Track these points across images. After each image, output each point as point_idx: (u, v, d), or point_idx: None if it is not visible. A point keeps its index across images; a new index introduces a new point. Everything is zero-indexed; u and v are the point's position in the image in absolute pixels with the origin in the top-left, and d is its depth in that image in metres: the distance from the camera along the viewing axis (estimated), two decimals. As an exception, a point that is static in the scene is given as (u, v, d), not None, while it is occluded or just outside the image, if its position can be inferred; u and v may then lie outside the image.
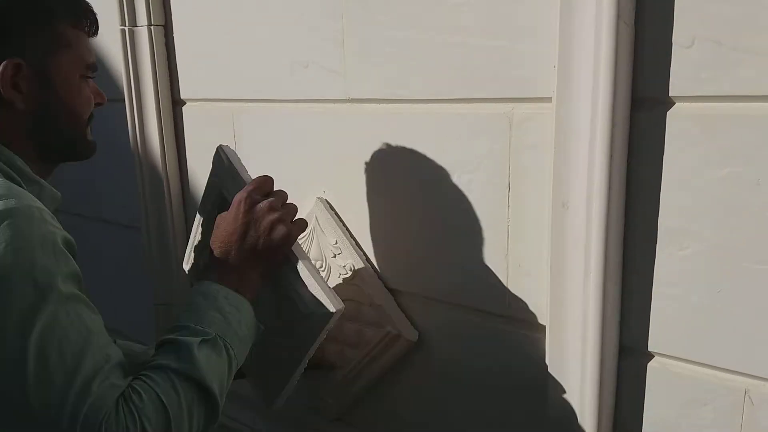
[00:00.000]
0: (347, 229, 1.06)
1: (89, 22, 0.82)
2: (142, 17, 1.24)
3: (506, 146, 0.83)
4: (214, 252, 0.81)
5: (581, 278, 0.77)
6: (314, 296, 0.83)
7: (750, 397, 0.71)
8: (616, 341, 0.79)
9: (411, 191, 0.95)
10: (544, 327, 0.84)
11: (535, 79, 0.79)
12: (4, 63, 0.73)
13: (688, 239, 0.72)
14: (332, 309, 0.83)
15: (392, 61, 0.92)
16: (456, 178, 0.89)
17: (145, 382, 0.67)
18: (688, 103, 0.69)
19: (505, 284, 0.88)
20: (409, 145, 0.94)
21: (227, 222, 0.82)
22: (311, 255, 1.11)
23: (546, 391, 0.84)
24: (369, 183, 1.01)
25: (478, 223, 0.88)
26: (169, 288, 1.36)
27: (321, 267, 1.10)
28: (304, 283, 0.83)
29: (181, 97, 1.27)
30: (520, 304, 0.87)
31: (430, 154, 0.92)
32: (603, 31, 0.69)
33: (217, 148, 0.95)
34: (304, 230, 0.86)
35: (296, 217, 0.86)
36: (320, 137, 1.05)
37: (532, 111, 0.80)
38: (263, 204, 0.82)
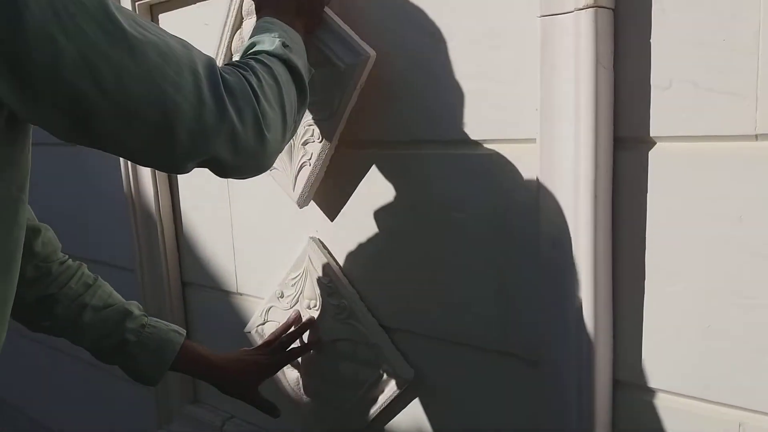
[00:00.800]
0: (340, 267, 1.07)
1: None
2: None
3: (495, 186, 0.85)
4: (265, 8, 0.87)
5: (573, 313, 0.78)
6: (350, 44, 0.91)
7: (744, 431, 0.71)
8: (610, 375, 0.80)
9: (403, 229, 0.97)
10: (538, 362, 0.84)
11: (519, 121, 0.80)
12: None
13: (675, 275, 0.73)
14: (370, 52, 0.90)
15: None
16: (448, 216, 0.90)
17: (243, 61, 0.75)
18: (668, 143, 0.71)
19: (499, 320, 0.88)
20: (399, 184, 0.95)
21: None
22: (305, 294, 1.11)
23: (544, 427, 0.84)
24: (361, 222, 1.02)
25: (470, 260, 0.89)
26: (163, 329, 1.36)
27: (315, 306, 1.10)
28: (339, 35, 0.91)
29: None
30: (514, 340, 0.87)
31: (421, 192, 0.93)
32: (582, 75, 0.71)
33: None
34: None
35: None
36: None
37: (519, 152, 0.82)
38: None
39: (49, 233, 0.95)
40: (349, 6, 0.95)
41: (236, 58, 0.85)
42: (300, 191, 1.03)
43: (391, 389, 1.02)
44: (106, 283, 1.01)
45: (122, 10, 0.62)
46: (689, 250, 0.71)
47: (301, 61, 0.81)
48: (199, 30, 1.17)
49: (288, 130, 0.77)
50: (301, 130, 0.99)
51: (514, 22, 0.79)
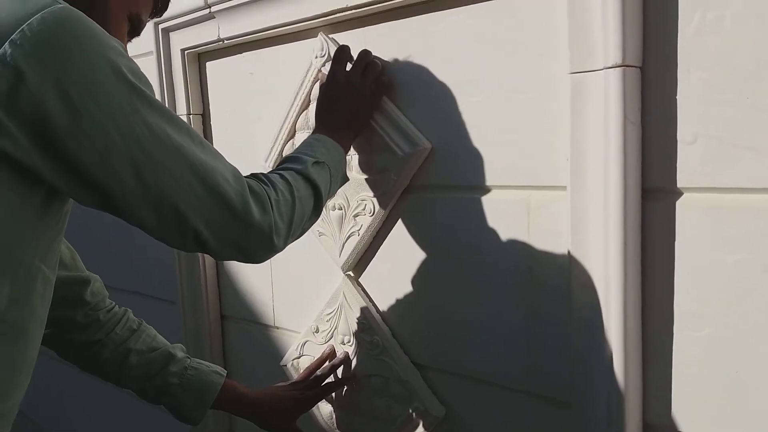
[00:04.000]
0: (374, 305, 1.11)
1: (161, 6, 0.88)
2: (181, 107, 1.34)
3: (525, 231, 0.88)
4: (319, 120, 0.99)
5: (603, 358, 0.80)
6: (409, 134, 0.98)
7: (774, 478, 0.72)
8: (640, 419, 0.81)
9: (434, 270, 1.00)
10: (568, 404, 0.86)
11: (550, 169, 0.84)
12: None
13: (703, 322, 0.75)
14: (427, 145, 0.97)
15: (416, 150, 0.99)
16: (479, 259, 0.94)
17: (271, 175, 0.83)
18: (695, 194, 0.74)
19: (528, 362, 0.91)
20: (432, 227, 0.99)
21: (328, 96, 0.99)
22: (339, 330, 1.15)
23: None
24: (395, 261, 1.06)
25: (499, 304, 0.92)
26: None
27: (349, 342, 1.14)
28: (398, 124, 0.99)
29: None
30: (544, 383, 0.90)
31: (453, 235, 0.97)
32: (611, 129, 0.74)
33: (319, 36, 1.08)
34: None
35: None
36: (348, 218, 1.11)
37: (549, 198, 0.85)
38: (354, 74, 0.98)
39: (97, 283, 1.03)
40: (382, 61, 1.00)
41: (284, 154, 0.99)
42: (345, 258, 1.11)
43: (422, 426, 1.04)
44: (150, 327, 1.07)
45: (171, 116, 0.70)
46: (716, 298, 0.74)
47: (327, 179, 0.89)
48: (244, 79, 1.24)
49: (289, 239, 0.84)
50: (354, 203, 1.07)
51: (546, 77, 0.83)
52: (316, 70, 1.07)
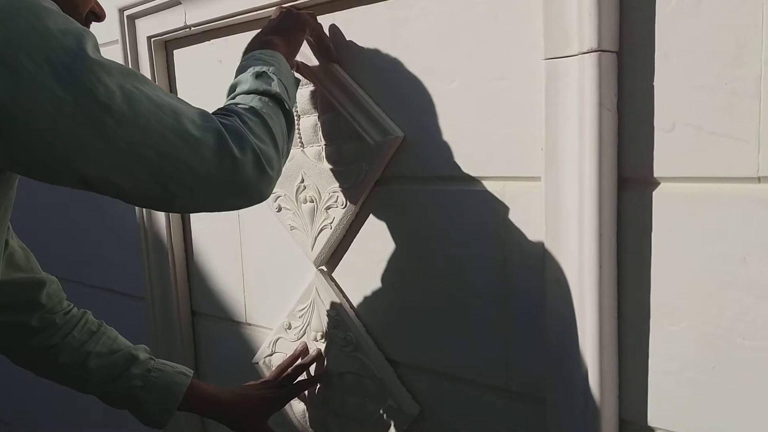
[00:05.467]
0: (347, 300, 1.08)
1: None
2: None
3: (500, 222, 0.86)
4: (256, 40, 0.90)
5: (577, 353, 0.78)
6: (380, 123, 0.94)
7: (751, 474, 0.71)
8: (616, 414, 0.80)
9: (408, 263, 0.97)
10: (544, 400, 0.84)
11: (525, 159, 0.82)
12: None
13: (680, 315, 0.73)
14: (399, 133, 0.94)
15: (388, 140, 0.96)
16: (453, 251, 0.91)
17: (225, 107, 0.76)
18: (672, 184, 0.72)
19: (504, 358, 0.88)
20: (404, 219, 0.97)
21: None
22: (312, 326, 1.12)
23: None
24: (368, 255, 1.03)
25: (473, 296, 0.90)
26: (172, 358, 1.37)
27: (322, 338, 1.11)
28: (370, 112, 0.95)
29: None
30: (519, 379, 0.87)
31: (426, 227, 0.94)
32: (586, 117, 0.72)
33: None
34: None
35: None
36: (320, 211, 1.08)
37: (524, 189, 0.83)
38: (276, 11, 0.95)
39: (54, 285, 0.99)
40: (353, 47, 0.97)
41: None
42: (318, 252, 1.07)
43: (396, 424, 1.02)
44: (111, 328, 1.03)
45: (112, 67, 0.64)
46: (693, 289, 0.72)
47: (280, 85, 0.81)
48: (213, 67, 1.20)
49: (282, 158, 0.78)
50: (325, 195, 1.03)
51: (519, 64, 0.80)
52: None
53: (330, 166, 1.02)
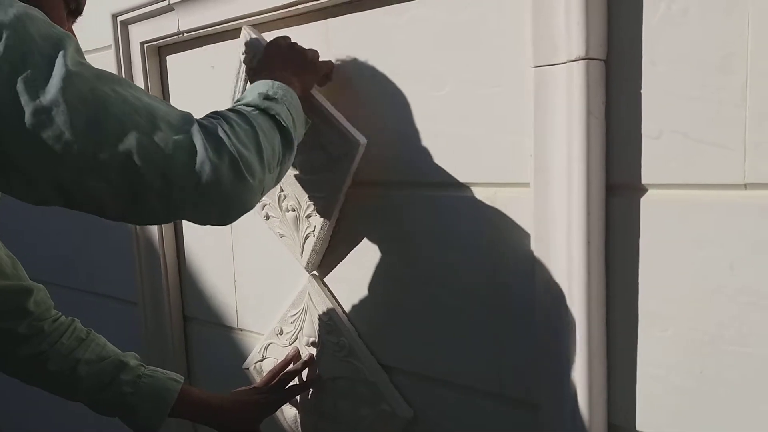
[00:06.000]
0: (340, 305, 1.08)
1: None
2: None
3: (490, 229, 0.86)
4: (261, 71, 0.88)
5: (567, 358, 0.78)
6: (342, 132, 0.94)
7: (739, 478, 0.71)
8: (605, 419, 0.80)
9: (400, 269, 0.98)
10: (535, 405, 0.84)
11: (514, 166, 0.82)
12: None
13: (667, 321, 0.73)
14: (360, 140, 0.94)
15: (380, 147, 0.96)
16: (444, 257, 0.92)
17: (219, 112, 0.74)
18: (660, 190, 0.72)
19: (496, 363, 0.89)
20: (396, 225, 0.97)
21: (269, 56, 0.91)
22: (304, 332, 1.12)
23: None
24: (360, 260, 1.03)
25: (464, 302, 0.90)
26: (164, 363, 1.36)
27: (314, 343, 1.11)
28: (331, 122, 0.95)
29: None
30: (509, 384, 0.88)
31: (417, 233, 0.94)
32: (574, 124, 0.73)
33: (242, 30, 1.05)
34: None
35: None
36: (312, 217, 1.08)
37: (513, 195, 0.83)
38: (288, 41, 0.94)
39: (41, 293, 0.98)
40: (344, 53, 0.98)
41: None
42: (307, 258, 1.07)
43: (389, 428, 1.02)
44: (100, 336, 1.03)
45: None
46: (681, 295, 0.72)
47: (286, 111, 0.80)
48: (205, 72, 1.20)
49: (268, 171, 0.74)
50: (303, 204, 1.03)
51: (509, 71, 0.81)
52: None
53: (302, 176, 1.02)
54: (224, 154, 0.67)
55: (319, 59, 0.96)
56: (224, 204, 0.69)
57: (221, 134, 0.68)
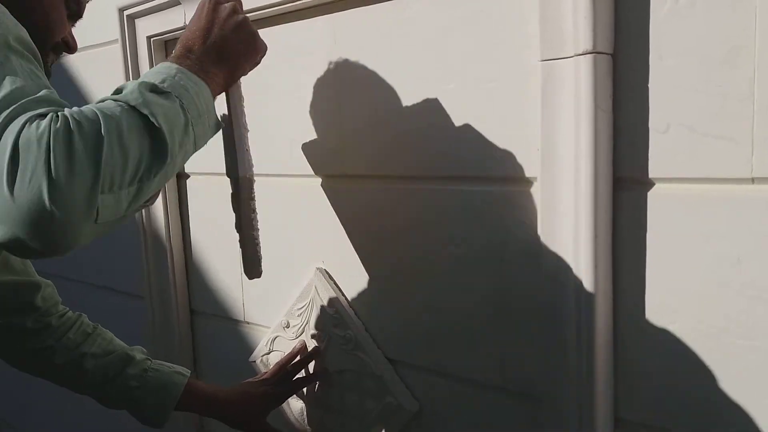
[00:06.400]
0: (346, 298, 1.08)
1: None
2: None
3: (496, 223, 0.86)
4: (175, 49, 0.72)
5: (574, 351, 0.79)
6: (234, 159, 0.86)
7: (745, 472, 0.71)
8: (611, 413, 0.80)
9: (406, 263, 0.98)
10: (540, 399, 0.85)
11: (521, 160, 0.82)
12: None
13: (674, 314, 0.74)
14: (245, 173, 0.85)
15: (387, 141, 0.96)
16: (450, 251, 0.92)
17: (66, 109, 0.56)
18: (667, 184, 0.72)
19: (500, 357, 0.89)
20: (402, 218, 0.97)
21: (191, 23, 0.74)
22: (311, 325, 1.12)
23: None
24: (367, 254, 1.03)
25: (469, 296, 0.91)
26: (171, 357, 1.37)
27: (321, 336, 1.11)
28: (231, 147, 0.87)
29: (186, 171, 1.32)
30: (515, 378, 0.88)
31: (423, 227, 0.95)
32: (582, 118, 0.73)
33: None
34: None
35: None
36: (318, 210, 1.09)
37: (520, 190, 0.83)
38: (227, 5, 0.76)
39: (49, 288, 1.00)
40: (348, 49, 0.98)
41: None
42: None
43: (395, 421, 1.03)
44: (107, 331, 1.04)
45: None
46: (688, 289, 0.72)
47: (175, 111, 0.62)
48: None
49: (106, 192, 0.54)
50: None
51: (516, 65, 0.81)
52: None
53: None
54: (27, 173, 0.51)
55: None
56: (24, 233, 0.52)
57: (35, 142, 0.51)
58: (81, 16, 0.86)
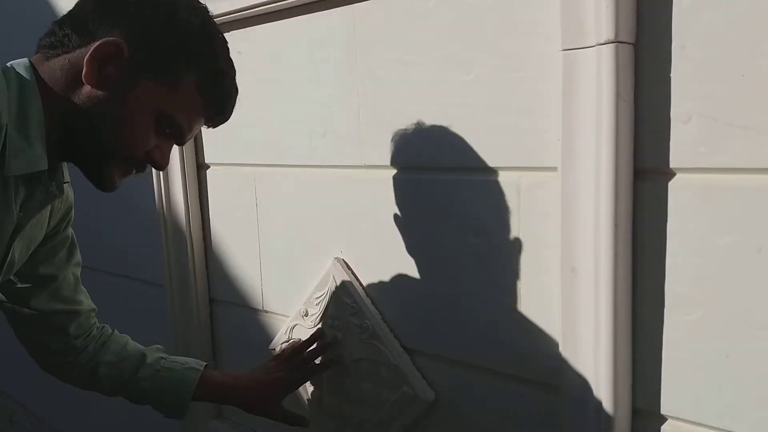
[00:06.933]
0: (364, 288, 1.09)
1: (215, 114, 0.78)
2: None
3: (516, 212, 0.86)
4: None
5: (592, 341, 0.79)
6: None
7: (764, 463, 0.71)
8: (629, 404, 0.80)
9: (425, 252, 0.99)
10: (557, 388, 0.85)
11: (542, 150, 0.82)
12: (116, 39, 0.67)
13: (694, 304, 0.74)
14: None
15: (407, 131, 0.97)
16: (469, 241, 0.92)
17: None
18: (688, 174, 0.72)
19: (517, 346, 0.90)
20: (422, 208, 0.98)
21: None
22: (329, 313, 1.14)
23: (561, 454, 0.85)
24: (385, 244, 1.04)
25: (488, 285, 0.91)
26: (190, 345, 1.39)
27: (338, 325, 1.12)
28: None
29: (206, 162, 1.33)
30: (533, 367, 0.88)
31: (444, 217, 0.95)
32: (603, 108, 0.73)
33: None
34: None
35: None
36: (337, 200, 1.10)
37: (541, 180, 0.84)
38: None
39: (83, 317, 1.01)
40: (370, 38, 0.98)
41: None
42: None
43: (411, 410, 1.03)
44: (123, 335, 1.07)
45: None
46: (708, 279, 0.72)
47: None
48: (232, 58, 1.21)
49: None
50: None
51: (536, 55, 0.81)
52: None
53: None
54: None
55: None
56: None
57: None
58: (181, 142, 0.79)
